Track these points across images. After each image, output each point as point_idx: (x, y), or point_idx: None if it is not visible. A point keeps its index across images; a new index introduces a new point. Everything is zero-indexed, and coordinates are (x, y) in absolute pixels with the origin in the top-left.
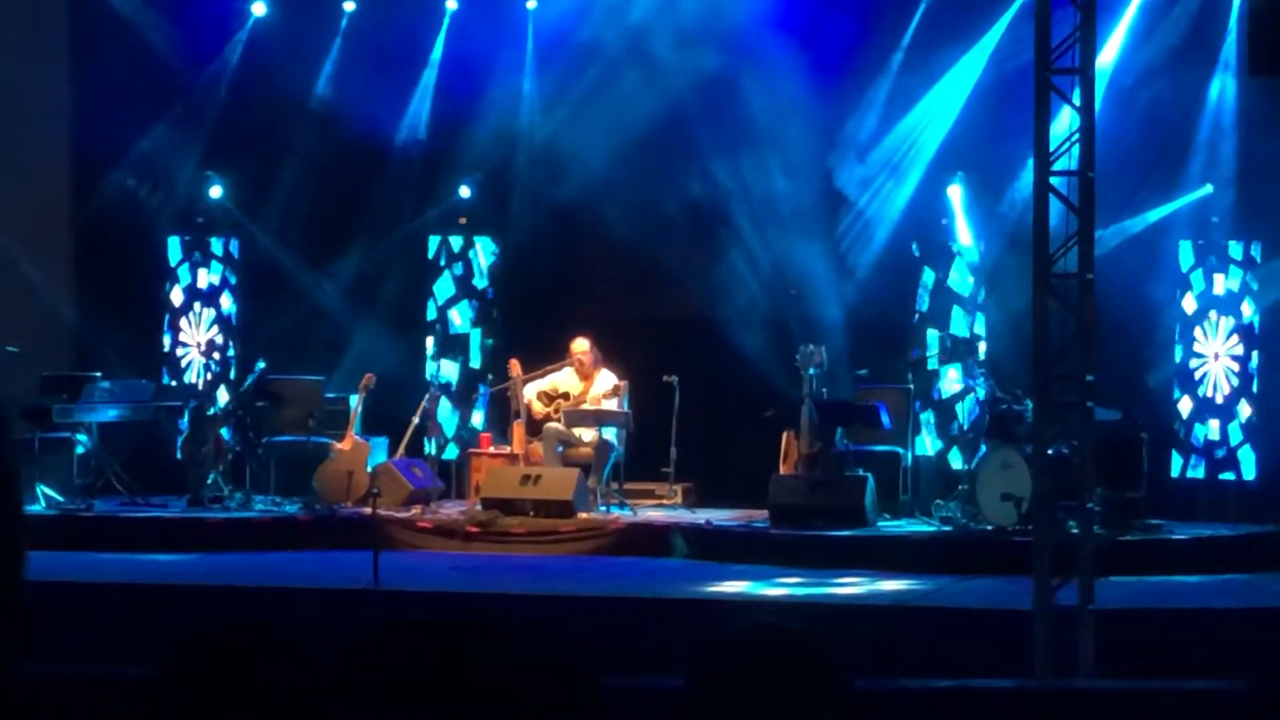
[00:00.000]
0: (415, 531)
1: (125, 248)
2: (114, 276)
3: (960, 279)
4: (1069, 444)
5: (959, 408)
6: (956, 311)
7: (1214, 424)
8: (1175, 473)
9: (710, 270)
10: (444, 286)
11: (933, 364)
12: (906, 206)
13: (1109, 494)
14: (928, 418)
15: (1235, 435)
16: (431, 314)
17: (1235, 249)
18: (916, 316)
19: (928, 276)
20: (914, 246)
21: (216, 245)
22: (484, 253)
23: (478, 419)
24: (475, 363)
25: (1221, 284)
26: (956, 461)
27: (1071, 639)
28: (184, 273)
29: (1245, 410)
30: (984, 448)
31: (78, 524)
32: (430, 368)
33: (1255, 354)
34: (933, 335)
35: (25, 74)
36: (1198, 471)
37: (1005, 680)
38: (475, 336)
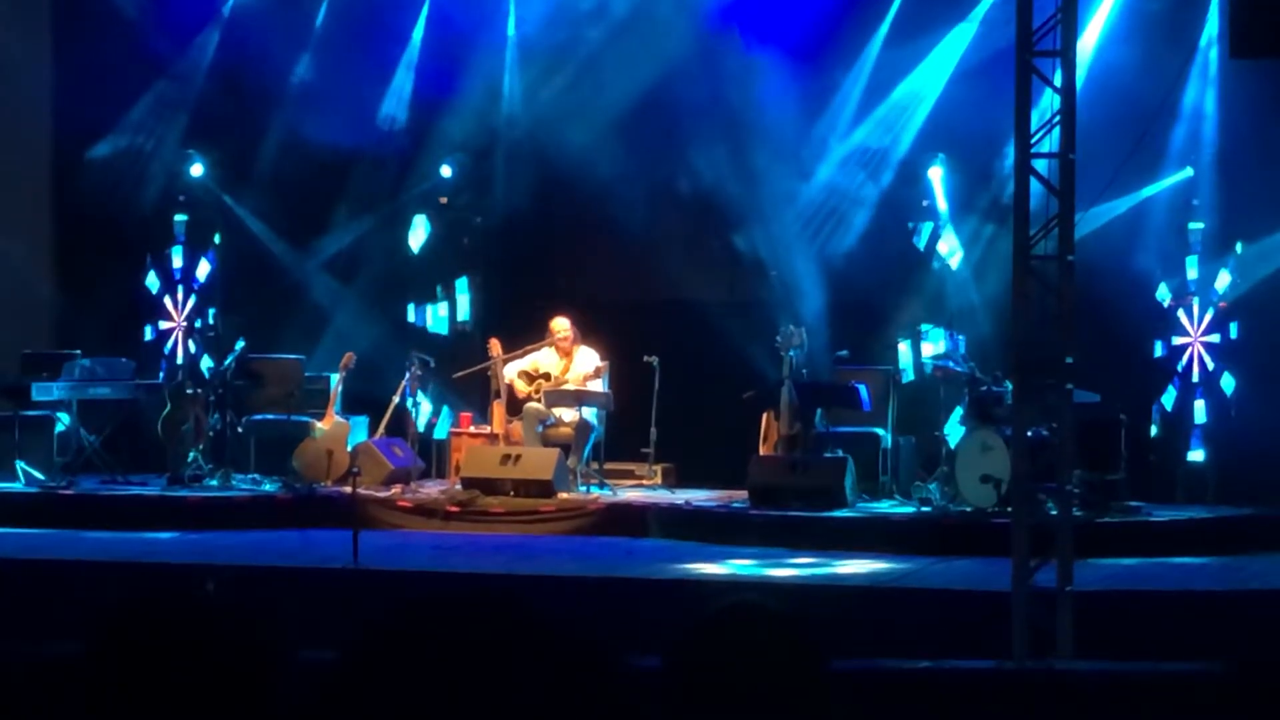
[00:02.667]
0: (395, 511)
1: (106, 225)
2: (94, 254)
3: (941, 261)
4: (1048, 426)
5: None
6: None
7: (1193, 406)
8: (1153, 455)
9: (691, 251)
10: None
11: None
12: (887, 188)
13: (1088, 476)
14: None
15: (1214, 418)
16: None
17: (1215, 232)
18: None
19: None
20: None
21: (197, 223)
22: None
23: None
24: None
25: (1200, 267)
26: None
27: (1050, 620)
28: (164, 251)
29: (1223, 393)
30: (963, 429)
31: (58, 502)
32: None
33: (1233, 337)
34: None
35: (6, 53)
36: (1176, 454)
37: (983, 661)
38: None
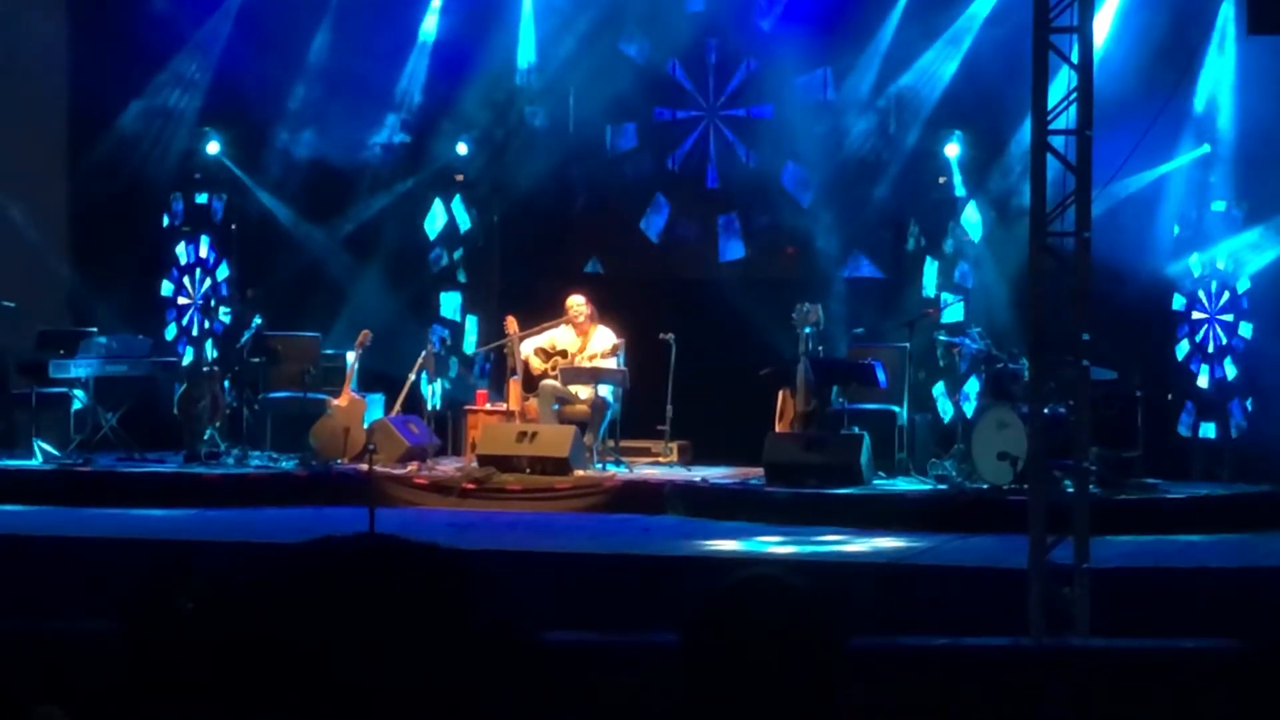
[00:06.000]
0: (411, 488)
1: (122, 203)
2: (111, 232)
3: (956, 238)
4: (1065, 403)
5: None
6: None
7: (1209, 384)
8: (1169, 432)
9: (707, 227)
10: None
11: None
12: (904, 164)
13: (1104, 453)
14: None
15: (1230, 395)
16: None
17: (1231, 209)
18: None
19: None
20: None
21: (214, 201)
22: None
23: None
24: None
25: (1217, 244)
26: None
27: (1066, 598)
28: (181, 229)
29: (1239, 371)
30: (980, 406)
31: (75, 479)
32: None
33: (1248, 316)
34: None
35: (23, 30)
36: (1193, 431)
37: (1000, 638)
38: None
